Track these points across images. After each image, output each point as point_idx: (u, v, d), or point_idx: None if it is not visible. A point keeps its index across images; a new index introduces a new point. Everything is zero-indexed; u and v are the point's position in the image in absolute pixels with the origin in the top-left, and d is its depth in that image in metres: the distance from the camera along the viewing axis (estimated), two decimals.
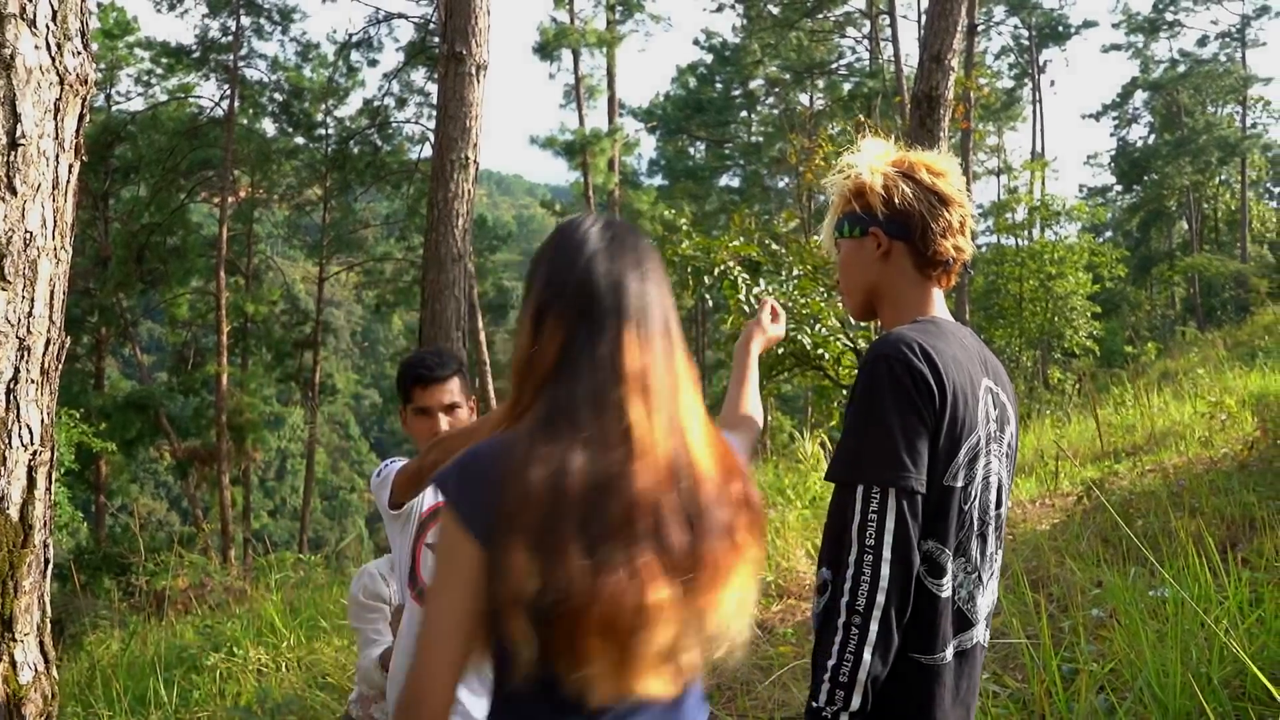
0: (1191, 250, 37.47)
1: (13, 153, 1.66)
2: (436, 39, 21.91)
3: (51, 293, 1.74)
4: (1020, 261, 20.46)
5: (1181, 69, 38.61)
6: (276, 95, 24.84)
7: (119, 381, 27.51)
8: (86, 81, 1.79)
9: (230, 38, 23.63)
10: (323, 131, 25.76)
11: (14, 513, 1.66)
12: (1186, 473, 6.68)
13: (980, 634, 1.70)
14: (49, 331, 1.74)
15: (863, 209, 1.74)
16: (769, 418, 28.72)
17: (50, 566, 1.74)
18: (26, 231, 1.68)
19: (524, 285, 1.42)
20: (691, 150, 33.75)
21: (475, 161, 7.25)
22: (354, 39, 23.65)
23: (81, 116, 1.80)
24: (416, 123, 24.54)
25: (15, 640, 1.64)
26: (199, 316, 24.39)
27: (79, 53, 1.77)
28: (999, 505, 1.71)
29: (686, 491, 1.27)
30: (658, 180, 32.03)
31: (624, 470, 1.23)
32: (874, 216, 1.73)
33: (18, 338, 1.67)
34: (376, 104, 24.40)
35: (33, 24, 1.68)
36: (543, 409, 1.28)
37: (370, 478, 2.56)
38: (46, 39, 1.70)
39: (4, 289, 1.64)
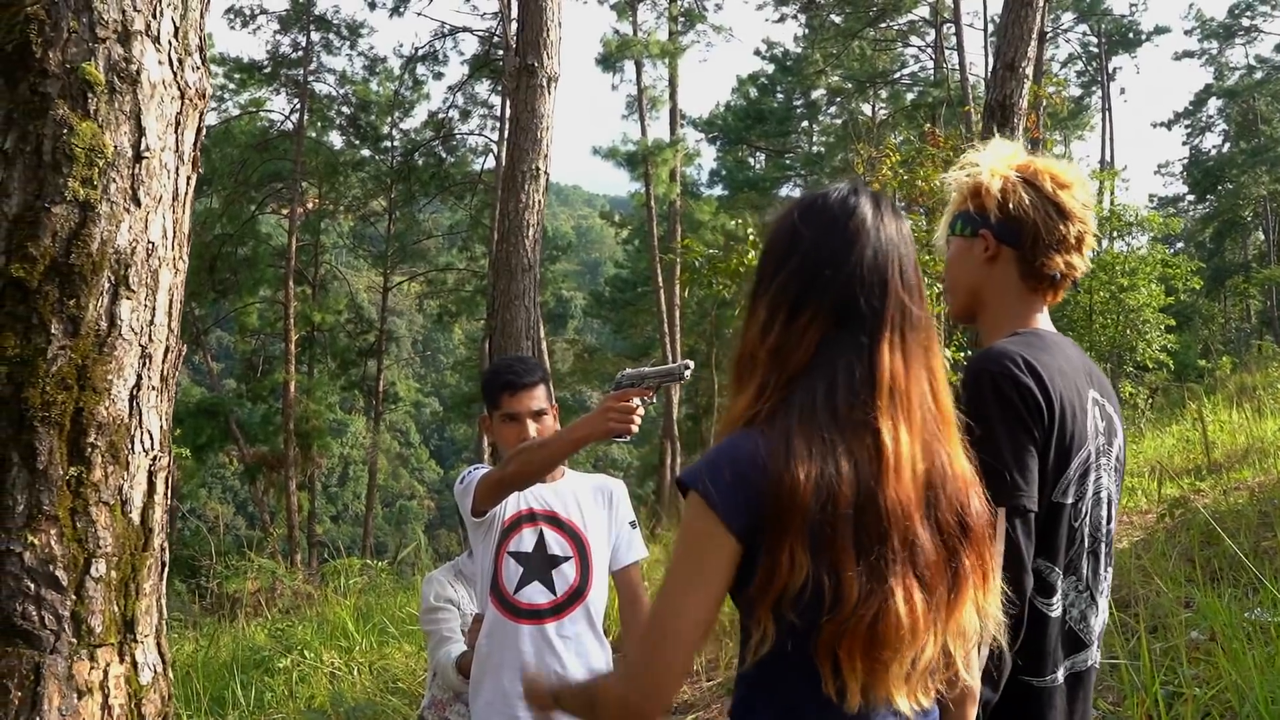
0: (1268, 262, 36.32)
1: (138, 165, 1.70)
2: (500, 52, 22.17)
3: (171, 301, 1.79)
4: (1091, 273, 19.99)
5: (1258, 75, 37.53)
6: (344, 108, 25.31)
7: (190, 388, 28.22)
8: (204, 95, 1.84)
9: (300, 53, 24.15)
10: (388, 144, 26.17)
11: (135, 516, 1.70)
12: (1276, 492, 6.46)
13: (1094, 655, 1.65)
14: (168, 339, 1.78)
15: (977, 209, 1.71)
16: None
17: (167, 569, 1.79)
18: (149, 242, 1.73)
19: (768, 259, 1.33)
20: (751, 161, 33.63)
21: (546, 172, 7.32)
22: (420, 53, 24.05)
23: (199, 130, 1.85)
24: (480, 134, 24.85)
25: (137, 641, 1.68)
26: (267, 325, 24.89)
27: (198, 68, 1.82)
28: (1109, 521, 1.66)
29: (941, 506, 1.24)
30: (718, 190, 31.97)
31: (879, 484, 1.20)
32: (986, 219, 1.70)
33: (140, 345, 1.71)
34: (441, 116, 24.75)
35: (156, 40, 1.73)
36: (795, 407, 1.23)
37: (454, 484, 2.59)
38: (169, 54, 1.75)
39: (129, 298, 1.69)
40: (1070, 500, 1.56)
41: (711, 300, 27.45)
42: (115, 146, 1.68)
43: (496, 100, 23.93)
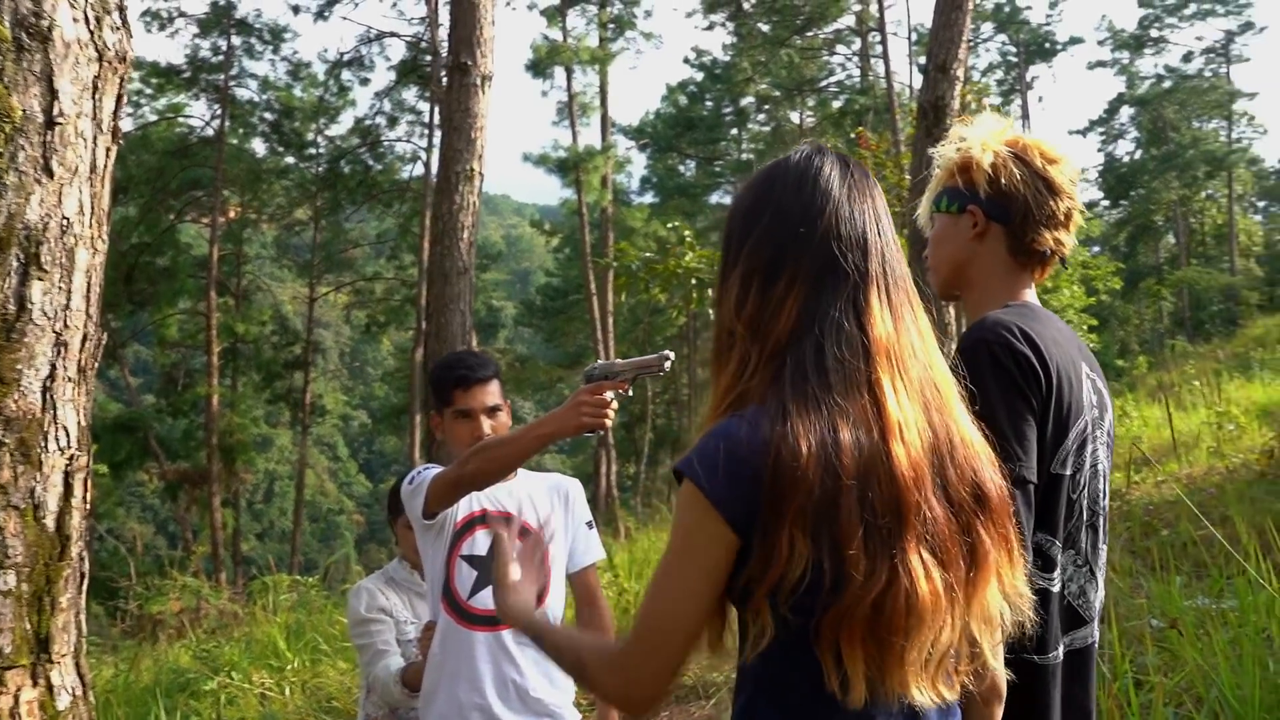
0: (1179, 264, 37.64)
1: (50, 132, 1.53)
2: (428, 57, 21.88)
3: (89, 284, 1.62)
4: None
5: (1167, 85, 38.92)
6: (267, 115, 24.72)
7: (106, 403, 27.19)
8: (125, 59, 1.67)
9: (221, 57, 23.53)
10: (313, 151, 25.66)
11: (50, 522, 1.53)
12: (1205, 483, 6.60)
13: (1094, 632, 1.60)
14: (86, 326, 1.61)
15: (965, 185, 1.66)
16: None
17: (86, 581, 1.61)
18: (64, 218, 1.56)
19: (735, 228, 1.23)
20: (682, 168, 33.76)
21: (480, 173, 7.16)
22: (345, 58, 23.58)
23: (119, 97, 1.68)
24: (408, 141, 24.49)
25: (52, 662, 1.50)
26: (188, 337, 24.13)
27: (118, 28, 1.66)
28: (1105, 494, 1.62)
29: (950, 476, 1.13)
30: (648, 198, 32.03)
31: (883, 450, 1.09)
32: (975, 194, 1.65)
33: (54, 332, 1.54)
34: (368, 123, 24.33)
35: None
36: (785, 379, 1.13)
37: (401, 485, 2.44)
38: (85, 11, 1.59)
39: (40, 279, 1.52)
40: (1069, 472, 1.52)
41: (644, 307, 27.45)
42: (24, 110, 1.50)
43: (425, 106, 23.63)
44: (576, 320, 28.54)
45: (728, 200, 32.37)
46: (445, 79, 7.28)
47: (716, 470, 1.11)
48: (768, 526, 1.07)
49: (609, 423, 2.03)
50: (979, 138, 1.66)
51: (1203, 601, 3.56)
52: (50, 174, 1.54)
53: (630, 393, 2.07)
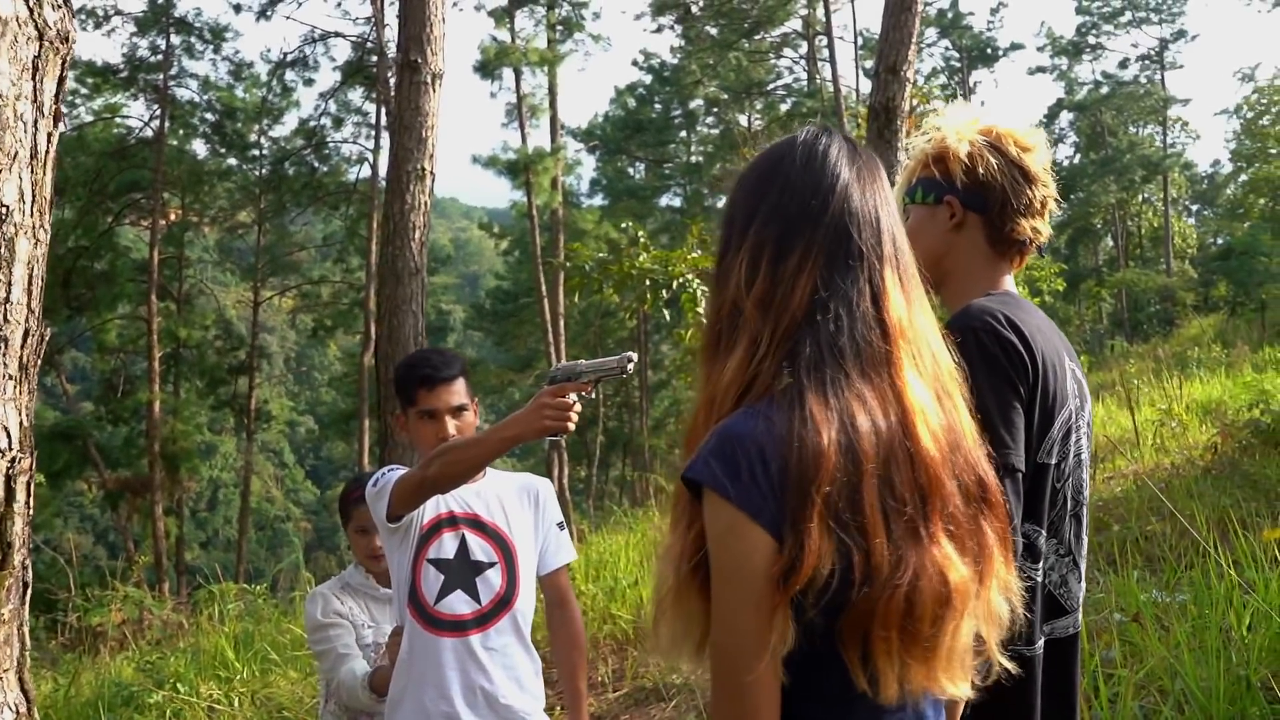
0: (1118, 266, 38.51)
1: None
2: (374, 58, 21.61)
3: (30, 276, 1.52)
4: None
5: (1104, 90, 39.81)
6: (208, 115, 24.26)
7: (43, 411, 26.45)
8: (68, 40, 1.58)
9: (159, 57, 23.02)
10: (257, 152, 25.22)
11: None
12: (1153, 479, 6.71)
13: (1076, 621, 1.59)
14: (28, 321, 1.52)
15: (941, 175, 1.64)
16: None
17: (29, 591, 1.52)
18: (3, 206, 1.46)
19: (740, 204, 1.17)
20: (631, 170, 33.80)
21: (432, 173, 7.05)
22: (289, 58, 23.22)
23: (61, 79, 1.59)
24: (354, 143, 24.18)
25: None
26: (128, 343, 23.56)
27: (59, 6, 1.57)
28: (1086, 485, 1.61)
29: (960, 465, 1.09)
30: (598, 200, 32.00)
31: (906, 435, 1.04)
32: (952, 184, 1.63)
33: None
34: (313, 124, 23.97)
35: None
36: (800, 362, 1.06)
37: (350, 490, 2.36)
38: None
39: None
40: (1054, 461, 1.51)
41: (595, 309, 27.39)
42: None
43: (371, 108, 23.35)
44: (527, 324, 28.40)
45: (677, 202, 32.49)
46: (395, 77, 7.17)
47: (739, 474, 1.03)
48: (795, 524, 1.01)
49: (572, 425, 1.99)
50: (953, 127, 1.64)
51: (1158, 595, 3.60)
52: None
53: (593, 394, 2.03)
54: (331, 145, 24.33)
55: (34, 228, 1.53)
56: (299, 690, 6.06)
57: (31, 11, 1.51)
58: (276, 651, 6.69)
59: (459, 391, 2.37)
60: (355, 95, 23.67)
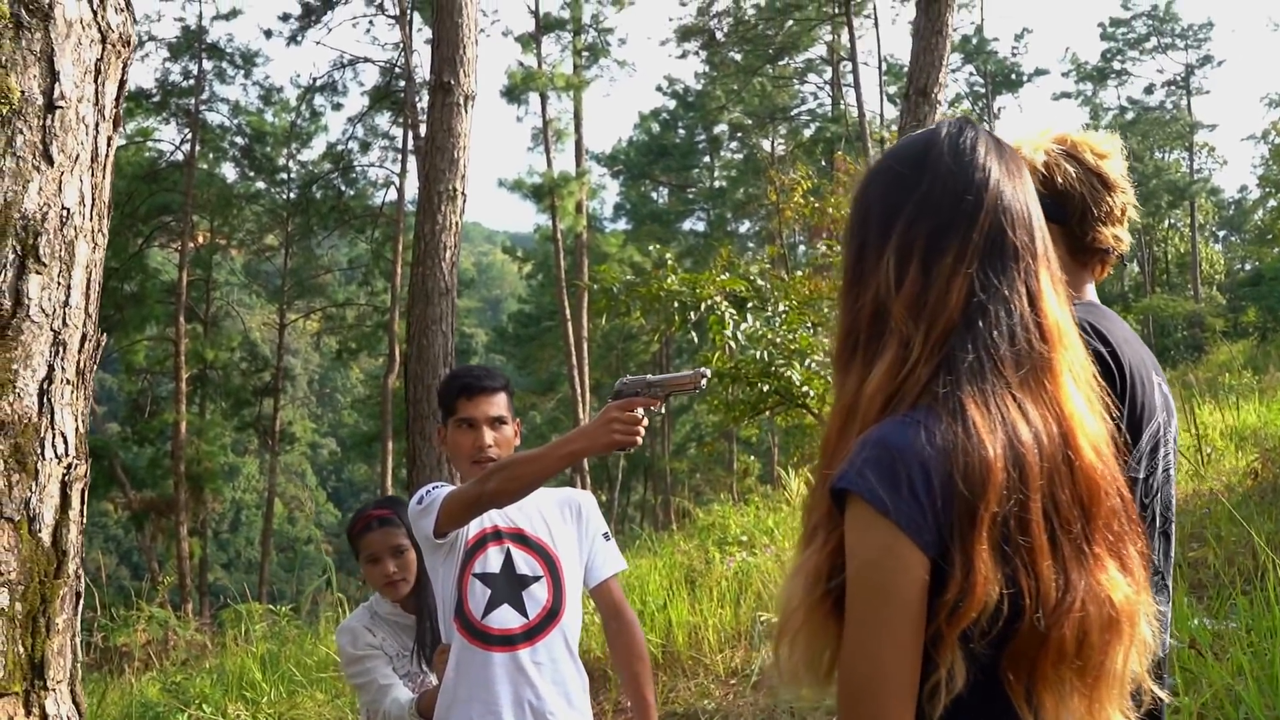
0: (1145, 292, 38.19)
1: (50, 116, 1.43)
2: (402, 83, 21.82)
3: (89, 280, 1.50)
4: None
5: (1130, 116, 39.65)
6: (238, 139, 24.54)
7: None
8: (129, 43, 1.57)
9: (191, 82, 23.33)
10: (285, 176, 25.46)
11: (46, 536, 1.40)
12: (1191, 505, 6.59)
13: (1164, 644, 1.52)
14: (85, 325, 1.50)
15: None
16: (734, 460, 28.68)
17: (81, 601, 1.49)
18: (64, 208, 1.45)
19: (883, 201, 1.09)
20: (655, 195, 33.89)
21: (463, 193, 7.07)
22: (318, 83, 23.48)
23: (122, 83, 1.58)
24: (381, 166, 24.37)
25: (48, 689, 1.37)
26: (155, 364, 23.74)
27: (122, 9, 1.56)
28: (1174, 501, 1.55)
29: (1112, 474, 1.02)
30: (621, 224, 32.09)
31: (1069, 447, 0.98)
32: None
33: (53, 330, 1.43)
34: (340, 148, 24.19)
35: None
36: (959, 370, 0.99)
37: (409, 504, 2.33)
38: None
39: (39, 272, 1.40)
40: (1142, 475, 1.46)
41: (618, 332, 27.39)
42: (23, 92, 1.40)
43: (398, 132, 23.54)
44: (549, 347, 28.41)
45: (700, 227, 32.54)
46: (428, 98, 7.21)
47: (898, 486, 0.95)
48: (964, 547, 0.93)
49: (640, 440, 1.94)
50: (1028, 138, 1.60)
51: (1208, 622, 3.51)
52: (50, 161, 1.43)
53: (662, 409, 1.98)
54: (358, 169, 24.56)
55: (93, 231, 1.52)
56: (326, 712, 6.02)
57: (95, 14, 1.50)
58: (302, 673, 6.66)
59: (499, 404, 2.35)
60: (383, 120, 23.90)
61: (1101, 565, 0.98)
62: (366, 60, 22.86)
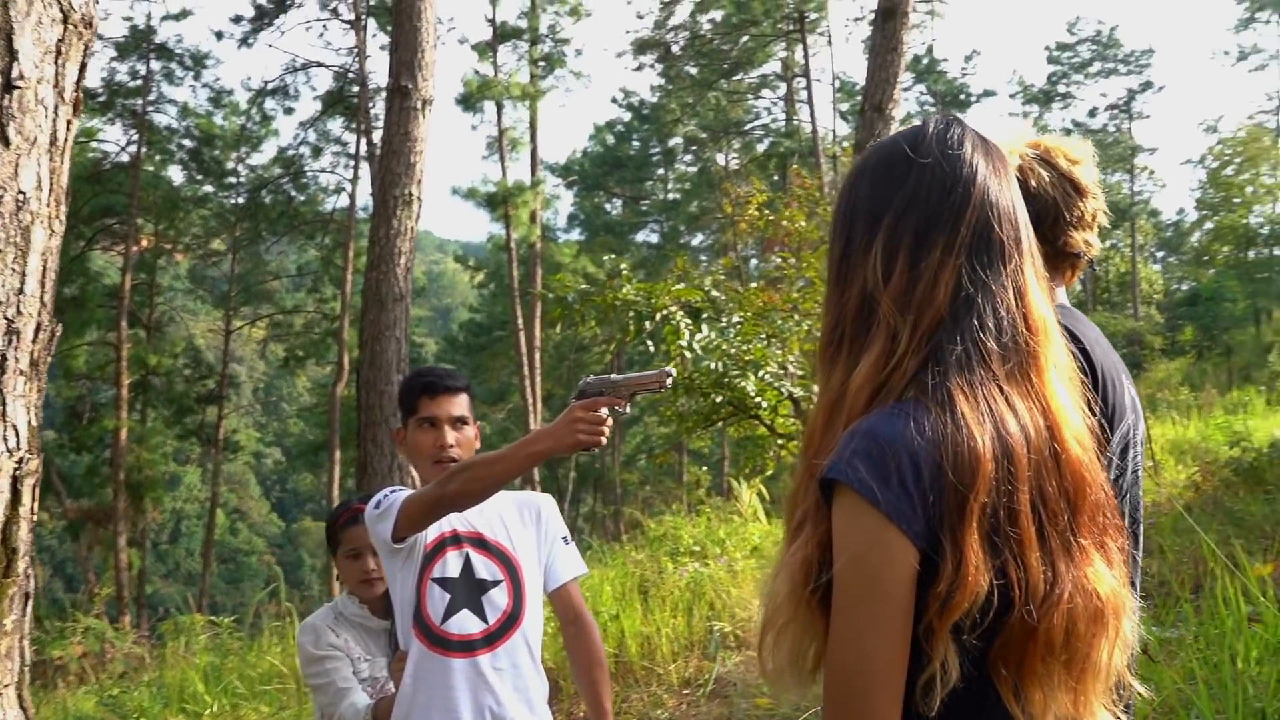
0: (1087, 309, 39.02)
1: (8, 96, 1.38)
2: (356, 88, 21.61)
3: (44, 267, 1.45)
4: None
5: (1074, 138, 40.49)
6: (186, 142, 24.06)
7: None
8: (91, 25, 1.53)
9: (139, 82, 22.87)
10: (234, 180, 25.06)
11: None
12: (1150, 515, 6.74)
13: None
14: (40, 315, 1.45)
15: None
16: (684, 472, 28.71)
17: (31, 602, 1.43)
18: (20, 192, 1.40)
19: (869, 195, 1.09)
20: (609, 206, 33.92)
21: (419, 198, 7.01)
22: (269, 86, 23.17)
23: (83, 66, 1.53)
24: (333, 172, 24.07)
25: None
26: (96, 369, 23.17)
27: None
28: (1141, 503, 1.57)
29: (1096, 468, 1.03)
30: (575, 235, 32.09)
31: (1055, 440, 0.98)
32: None
33: (5, 318, 1.38)
34: (291, 153, 23.87)
35: None
36: (946, 361, 0.99)
37: (366, 508, 2.27)
38: None
39: None
40: (1113, 476, 1.46)
41: (569, 344, 27.33)
42: None
43: (351, 137, 23.29)
44: (501, 356, 28.27)
45: (654, 239, 32.62)
46: (385, 102, 7.14)
47: (888, 477, 0.94)
48: (955, 538, 0.93)
49: (604, 440, 1.92)
50: (1003, 141, 1.61)
51: (1154, 629, 3.58)
52: (6, 142, 1.38)
53: (628, 409, 1.96)
54: (309, 174, 24.24)
55: (50, 218, 1.47)
56: None
57: None
58: (246, 685, 6.52)
59: (461, 404, 2.31)
60: (335, 125, 23.64)
61: (1088, 558, 0.98)
62: (320, 64, 22.62)
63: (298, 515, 51.34)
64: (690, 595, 6.33)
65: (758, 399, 9.08)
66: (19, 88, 1.39)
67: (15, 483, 1.39)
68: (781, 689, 1.05)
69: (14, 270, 1.39)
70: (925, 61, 34.75)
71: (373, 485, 7.00)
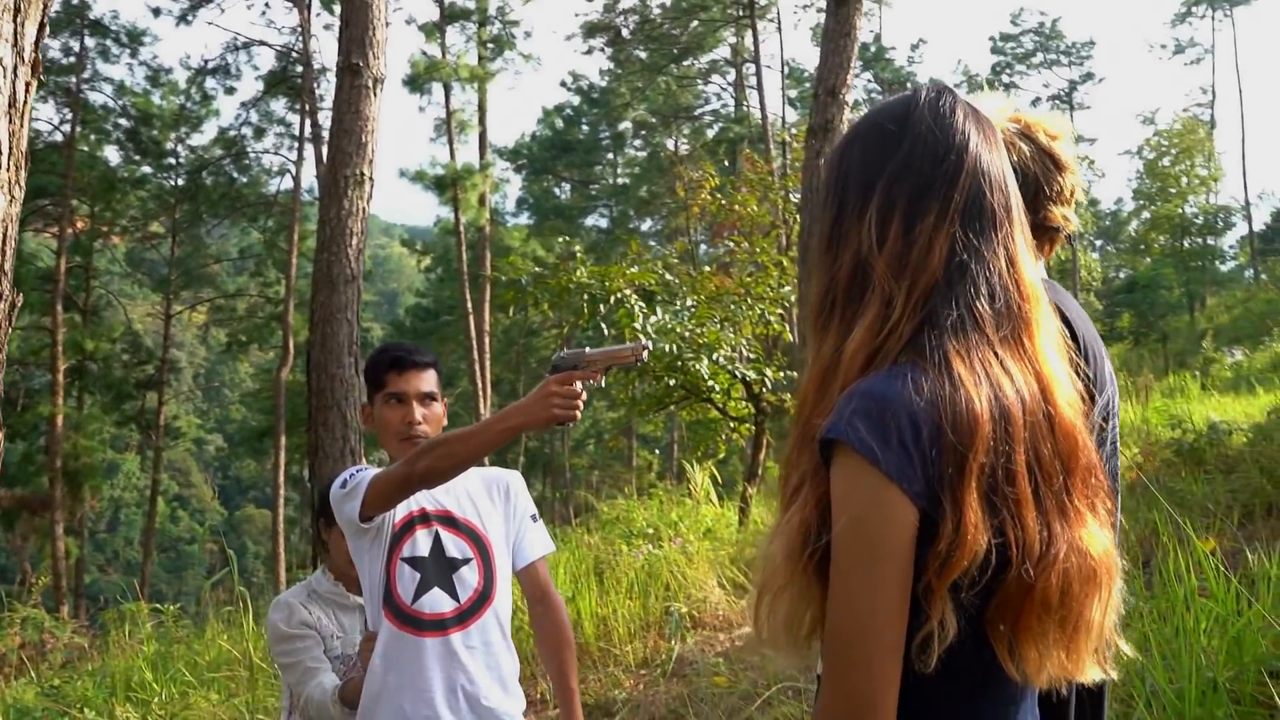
0: None
1: None
2: (299, 68, 21.21)
3: (4, 236, 1.40)
4: None
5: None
6: (122, 121, 23.45)
7: None
8: None
9: (72, 59, 22.21)
10: (173, 161, 24.48)
11: None
12: None
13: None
14: (0, 285, 1.39)
15: None
16: (634, 457, 28.75)
17: None
18: None
19: (861, 161, 1.09)
20: (558, 190, 33.77)
21: (371, 178, 6.89)
22: (210, 65, 22.66)
23: (42, 25, 1.47)
24: (276, 153, 23.64)
25: None
26: (30, 354, 22.53)
27: None
28: (1117, 474, 1.60)
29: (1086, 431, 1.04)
30: (524, 219, 31.89)
31: (1049, 402, 1.00)
32: None
33: None
34: (233, 133, 23.39)
35: None
36: (942, 325, 1.00)
37: (332, 488, 2.22)
38: None
39: None
40: (1095, 443, 1.47)
41: (519, 328, 27.18)
42: None
43: (295, 118, 22.87)
44: (449, 341, 28.03)
45: (603, 223, 32.53)
46: (335, 80, 7.00)
47: (888, 436, 0.94)
48: (954, 498, 0.93)
49: (579, 415, 1.90)
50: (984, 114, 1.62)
51: None
52: None
53: (602, 383, 1.95)
54: (252, 156, 23.80)
55: (10, 183, 1.41)
56: (220, 713, 5.80)
57: None
58: (194, 673, 6.41)
59: (430, 380, 2.28)
60: (279, 105, 23.21)
61: (1081, 519, 1.00)
62: (262, 43, 22.22)
63: (240, 503, 50.55)
64: (646, 577, 6.34)
65: (711, 382, 9.10)
66: None
67: None
68: (776, 654, 1.05)
69: None
70: (873, 49, 35.06)
71: (324, 470, 6.89)
